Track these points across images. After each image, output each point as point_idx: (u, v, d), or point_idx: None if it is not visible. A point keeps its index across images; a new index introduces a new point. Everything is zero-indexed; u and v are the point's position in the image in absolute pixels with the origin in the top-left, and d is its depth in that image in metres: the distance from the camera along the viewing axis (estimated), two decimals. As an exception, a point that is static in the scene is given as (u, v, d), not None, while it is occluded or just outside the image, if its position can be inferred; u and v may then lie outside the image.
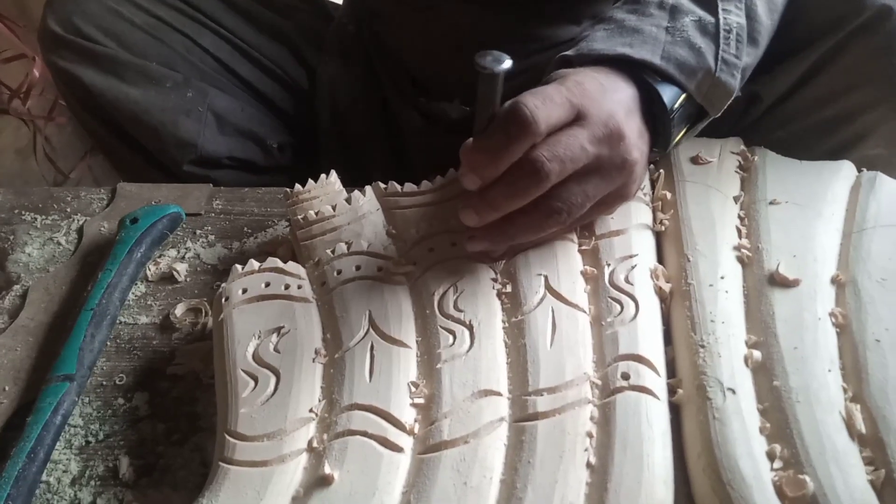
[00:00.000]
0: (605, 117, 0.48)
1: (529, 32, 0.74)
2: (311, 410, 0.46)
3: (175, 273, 0.60)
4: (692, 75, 0.52)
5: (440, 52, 0.77)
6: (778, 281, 0.50)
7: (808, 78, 0.62)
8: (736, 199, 0.57)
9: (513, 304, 0.51)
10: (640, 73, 0.52)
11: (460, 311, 0.50)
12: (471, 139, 0.49)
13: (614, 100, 0.50)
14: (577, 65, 0.53)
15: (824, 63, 0.60)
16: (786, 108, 0.64)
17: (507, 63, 0.45)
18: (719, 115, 0.55)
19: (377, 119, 0.86)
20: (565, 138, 0.47)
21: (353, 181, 0.62)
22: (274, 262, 0.54)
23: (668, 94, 0.52)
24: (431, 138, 0.82)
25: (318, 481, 0.42)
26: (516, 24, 0.74)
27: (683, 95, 0.53)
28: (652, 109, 0.52)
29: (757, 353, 0.47)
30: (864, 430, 0.43)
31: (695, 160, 0.59)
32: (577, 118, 0.48)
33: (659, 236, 0.56)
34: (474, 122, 0.48)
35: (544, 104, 0.47)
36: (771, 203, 0.55)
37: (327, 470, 0.42)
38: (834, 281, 0.51)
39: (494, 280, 0.52)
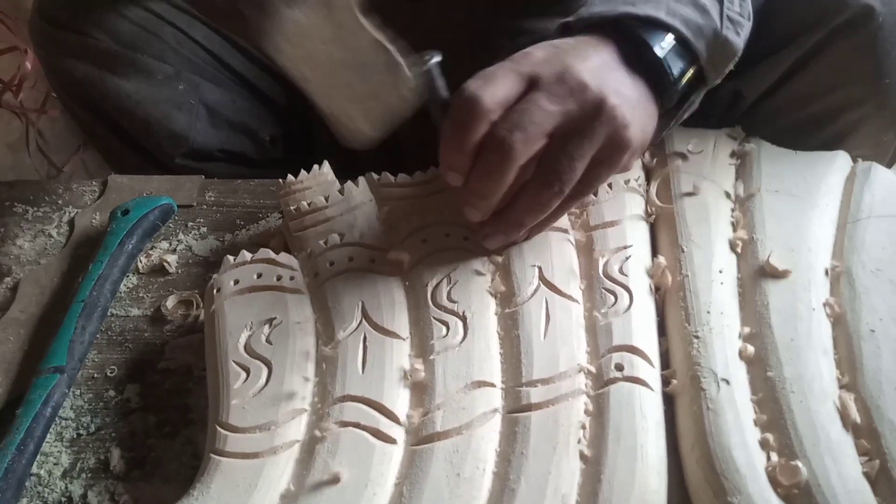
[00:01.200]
0: (559, 73, 0.47)
1: (519, 26, 0.74)
2: (303, 402, 0.46)
3: (166, 265, 0.60)
4: (699, 34, 0.51)
5: (432, 44, 0.77)
6: (768, 272, 0.50)
7: (790, 74, 0.61)
8: (730, 190, 0.57)
9: (506, 295, 0.51)
10: (628, 30, 0.50)
11: (454, 302, 0.50)
12: None
13: (572, 55, 0.49)
14: (577, 30, 0.52)
15: (807, 60, 0.60)
16: (769, 106, 0.63)
17: (436, 58, 0.48)
18: (719, 80, 0.54)
19: None
20: (520, 105, 0.47)
21: (345, 173, 0.61)
22: (266, 253, 0.54)
23: (655, 39, 0.50)
24: (423, 131, 0.81)
25: (313, 475, 0.42)
26: (506, 18, 0.74)
27: (671, 36, 0.51)
28: (646, 63, 0.50)
29: (751, 347, 0.46)
30: (858, 420, 0.43)
31: (688, 152, 0.59)
32: (531, 86, 0.48)
33: (653, 227, 0.56)
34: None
35: (486, 81, 0.47)
36: (765, 193, 0.55)
37: (334, 468, 0.42)
38: (828, 272, 0.51)
39: (488, 271, 0.52)
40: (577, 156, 0.48)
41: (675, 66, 0.51)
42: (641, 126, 0.50)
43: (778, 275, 0.49)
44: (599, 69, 0.49)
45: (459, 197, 0.51)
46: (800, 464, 0.40)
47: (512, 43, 0.74)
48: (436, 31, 0.76)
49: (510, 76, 0.48)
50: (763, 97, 0.63)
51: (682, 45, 0.51)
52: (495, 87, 0.47)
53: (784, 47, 0.60)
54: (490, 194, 0.49)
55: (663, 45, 0.50)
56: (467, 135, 0.47)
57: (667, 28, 0.50)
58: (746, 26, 0.53)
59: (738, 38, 0.52)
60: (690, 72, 0.52)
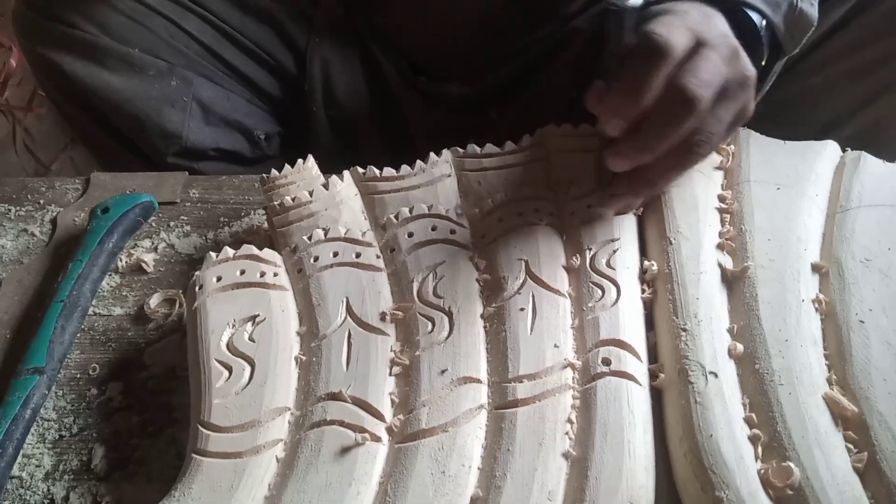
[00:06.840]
0: (722, 37, 0.48)
1: (528, 9, 0.73)
2: (286, 400, 0.45)
3: (143, 264, 0.59)
4: (777, 8, 0.52)
5: (439, 33, 0.76)
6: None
7: (848, 19, 0.62)
8: (718, 180, 0.56)
9: (493, 289, 0.50)
10: (723, 4, 0.51)
11: (439, 297, 0.49)
12: (595, 86, 0.49)
13: (717, 21, 0.50)
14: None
15: (865, 4, 0.60)
16: (824, 51, 0.64)
17: None
18: (797, 50, 0.55)
19: (374, 98, 0.83)
20: (702, 62, 0.47)
21: (346, 163, 0.60)
22: (249, 249, 0.53)
23: (755, 18, 0.52)
24: (433, 117, 0.80)
25: (297, 474, 0.42)
26: (521, 4, 0.73)
27: (764, 23, 0.52)
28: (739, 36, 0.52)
29: (739, 339, 0.46)
30: (848, 412, 0.42)
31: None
32: (699, 44, 0.48)
33: (641, 219, 0.55)
34: (602, 66, 0.48)
35: (671, 29, 0.46)
36: (754, 184, 0.55)
37: (318, 467, 0.41)
38: (817, 262, 0.50)
39: (474, 265, 0.51)
40: (724, 120, 0.49)
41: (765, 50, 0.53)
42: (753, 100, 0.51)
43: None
44: (734, 36, 0.49)
45: (610, 147, 0.50)
46: (792, 465, 0.39)
47: (521, 26, 0.74)
48: (444, 17, 0.75)
49: (685, 30, 0.47)
50: (819, 41, 0.64)
51: (767, 29, 0.52)
52: (680, 38, 0.46)
53: None
54: (657, 147, 0.48)
55: (762, 30, 0.51)
56: (654, 79, 0.46)
57: (749, 7, 0.51)
58: None
59: (813, 9, 0.53)
60: (768, 44, 0.54)
